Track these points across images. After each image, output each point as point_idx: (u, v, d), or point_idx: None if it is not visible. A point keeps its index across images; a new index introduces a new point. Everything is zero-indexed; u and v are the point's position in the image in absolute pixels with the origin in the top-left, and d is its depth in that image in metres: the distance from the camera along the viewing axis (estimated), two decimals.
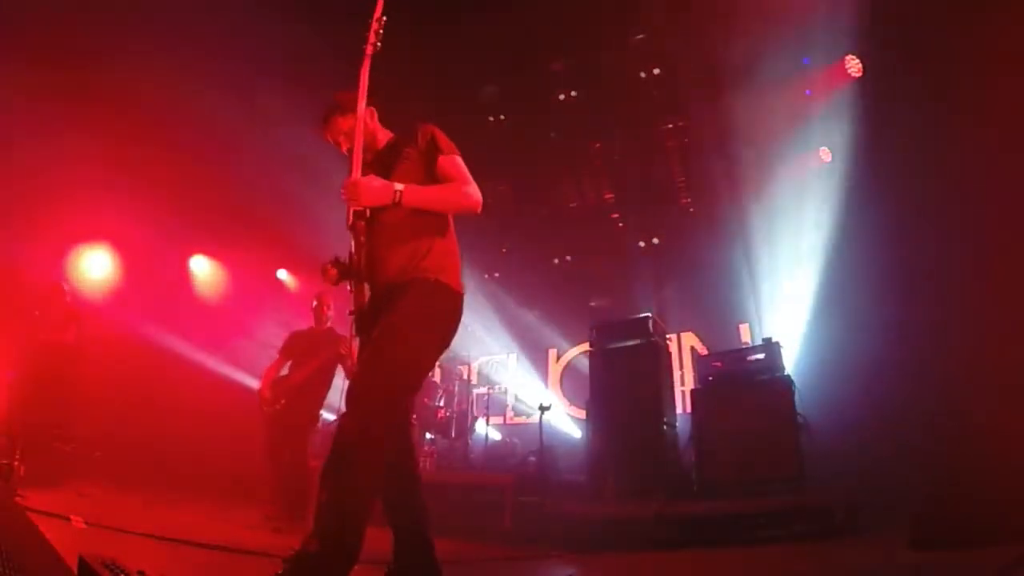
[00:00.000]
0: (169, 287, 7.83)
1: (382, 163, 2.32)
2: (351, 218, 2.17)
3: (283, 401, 4.73)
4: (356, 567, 1.84)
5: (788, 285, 6.04)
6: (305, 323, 5.27)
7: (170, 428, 6.55)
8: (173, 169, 6.79)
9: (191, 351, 7.45)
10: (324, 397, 4.96)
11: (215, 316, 7.89)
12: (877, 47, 5.43)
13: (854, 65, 5.74)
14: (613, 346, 5.38)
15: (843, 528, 3.74)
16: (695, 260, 6.98)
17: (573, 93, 6.83)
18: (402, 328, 2.06)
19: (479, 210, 2.27)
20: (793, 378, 4.70)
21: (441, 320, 2.21)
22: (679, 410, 5.97)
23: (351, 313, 2.19)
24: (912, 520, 3.04)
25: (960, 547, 2.85)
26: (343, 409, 2.03)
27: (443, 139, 2.32)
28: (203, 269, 8.22)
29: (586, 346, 5.57)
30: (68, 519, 3.20)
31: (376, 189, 2.15)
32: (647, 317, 5.39)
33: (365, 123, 2.31)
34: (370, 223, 2.19)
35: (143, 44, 5.79)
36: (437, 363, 7.37)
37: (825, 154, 6.20)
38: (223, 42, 5.85)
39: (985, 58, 4.53)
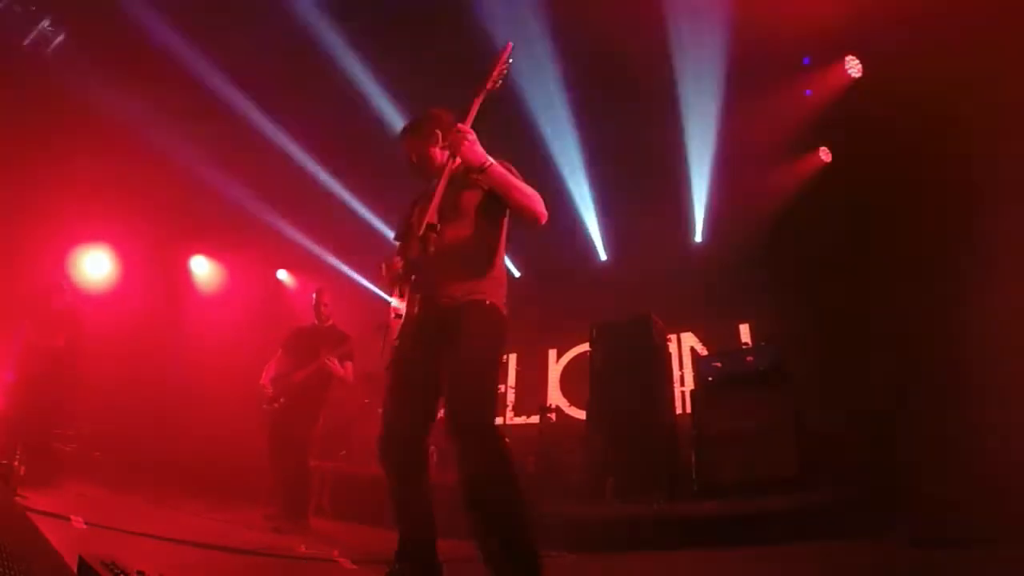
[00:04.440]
0: (169, 287, 7.83)
1: (454, 182, 2.39)
2: (423, 228, 2.24)
3: (282, 400, 4.73)
4: (356, 567, 1.84)
5: (789, 285, 6.03)
6: (307, 319, 5.27)
7: (170, 428, 6.56)
8: (173, 169, 6.79)
9: (191, 351, 7.46)
10: (325, 397, 4.93)
11: (215, 316, 7.89)
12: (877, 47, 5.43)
13: (854, 65, 5.74)
14: (613, 346, 5.38)
15: (844, 528, 3.74)
16: (695, 258, 6.99)
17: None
18: (480, 357, 2.22)
19: (544, 220, 2.37)
20: (793, 378, 4.70)
21: (500, 344, 2.34)
22: (679, 410, 5.97)
23: (397, 317, 2.33)
24: (912, 520, 3.04)
25: (960, 547, 2.86)
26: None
27: (515, 171, 2.43)
28: (203, 269, 8.23)
29: (586, 346, 5.57)
30: (68, 519, 3.20)
31: (477, 149, 2.28)
32: (647, 317, 5.39)
33: (433, 150, 2.51)
34: (430, 236, 2.25)
35: (143, 42, 5.79)
36: None
37: (825, 154, 6.21)
38: (223, 41, 5.85)
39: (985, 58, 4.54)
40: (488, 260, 2.37)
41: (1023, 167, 4.40)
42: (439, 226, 2.24)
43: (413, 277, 2.32)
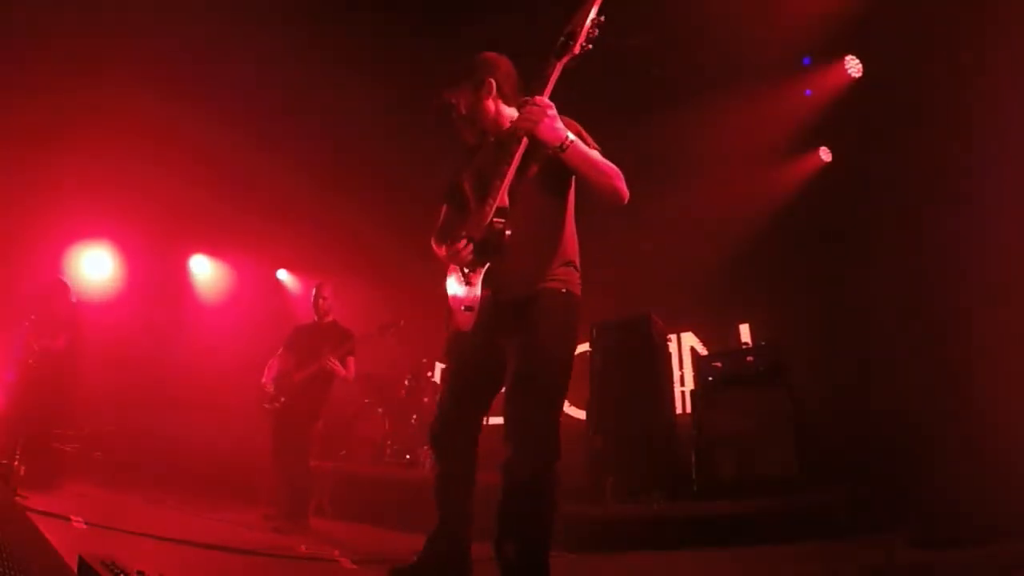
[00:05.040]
0: (169, 286, 7.83)
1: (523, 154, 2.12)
2: (492, 211, 2.04)
3: (283, 399, 4.73)
4: (356, 567, 1.84)
5: (789, 285, 6.03)
6: (308, 317, 5.26)
7: (170, 428, 6.55)
8: (173, 168, 6.79)
9: (191, 351, 7.46)
10: (326, 396, 4.93)
11: (215, 315, 7.89)
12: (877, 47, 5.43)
13: (854, 65, 5.74)
14: (613, 346, 5.38)
15: (843, 528, 3.74)
16: (695, 259, 6.98)
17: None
18: (550, 353, 2.07)
19: (626, 199, 2.13)
20: (792, 377, 4.70)
21: (574, 334, 2.21)
22: (679, 410, 5.97)
23: (457, 303, 2.18)
24: (912, 520, 3.04)
25: (960, 547, 2.86)
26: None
27: (588, 136, 2.19)
28: (203, 268, 8.22)
29: (586, 346, 5.56)
30: (68, 519, 3.20)
31: (558, 125, 1.99)
32: (647, 317, 5.39)
33: (487, 102, 2.23)
34: (501, 220, 2.06)
35: (142, 41, 5.79)
36: (437, 363, 7.44)
37: (825, 154, 6.20)
38: (224, 39, 5.85)
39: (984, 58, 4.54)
40: (560, 241, 2.18)
41: (1023, 167, 4.40)
42: (509, 208, 2.05)
43: (481, 262, 2.09)
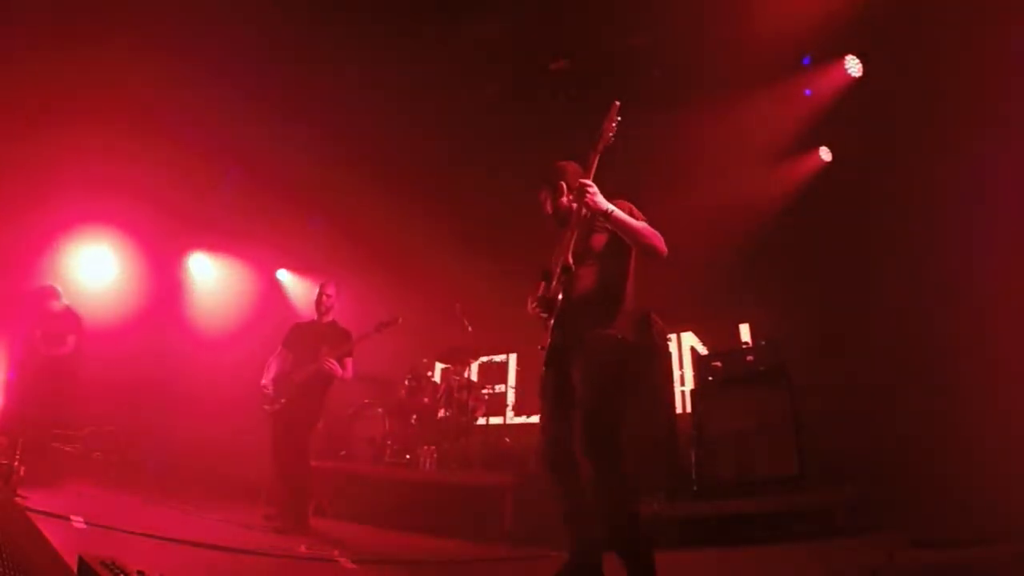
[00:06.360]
0: (168, 285, 7.83)
1: (583, 226, 2.78)
2: (559, 269, 2.67)
3: (283, 400, 4.72)
4: (356, 567, 1.84)
5: (789, 285, 6.03)
6: (307, 315, 5.25)
7: (170, 428, 6.56)
8: (172, 167, 6.79)
9: (191, 351, 7.46)
10: (326, 396, 4.92)
11: (215, 314, 7.89)
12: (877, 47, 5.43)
13: (854, 65, 5.74)
14: None
15: (844, 528, 3.74)
16: (695, 259, 6.97)
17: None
18: (605, 389, 2.59)
19: (664, 254, 2.69)
20: (793, 377, 4.70)
21: (624, 375, 2.68)
22: (679, 410, 5.97)
23: (542, 348, 2.80)
24: (912, 520, 3.04)
25: (960, 547, 2.86)
26: None
27: (637, 211, 2.79)
28: (203, 267, 8.22)
29: None
30: (68, 519, 3.20)
31: (599, 199, 2.64)
32: (647, 317, 5.39)
33: (561, 200, 2.93)
34: (567, 274, 2.67)
35: (142, 38, 5.77)
36: (437, 363, 7.44)
37: (825, 154, 6.20)
38: (224, 35, 5.83)
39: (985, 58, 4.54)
40: (618, 295, 2.72)
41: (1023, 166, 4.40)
42: (573, 268, 2.65)
43: (550, 314, 2.72)
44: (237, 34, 5.78)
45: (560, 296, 2.70)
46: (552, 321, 2.73)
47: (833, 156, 6.15)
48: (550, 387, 2.78)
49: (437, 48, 6.02)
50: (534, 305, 2.80)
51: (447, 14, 5.77)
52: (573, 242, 2.69)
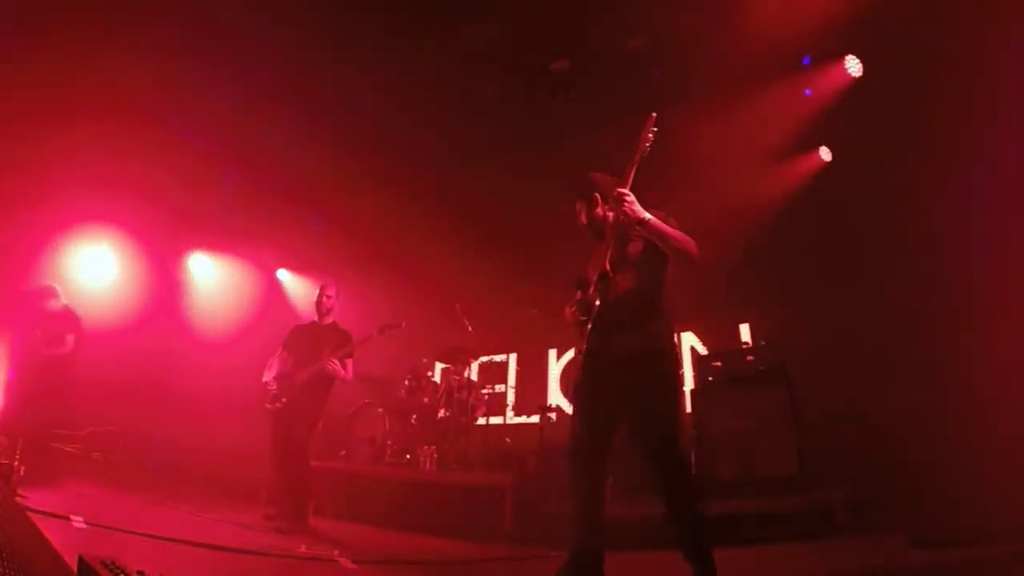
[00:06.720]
0: (168, 285, 7.82)
1: (621, 236, 2.86)
2: (595, 278, 2.75)
3: (284, 400, 4.72)
4: (356, 567, 1.84)
5: (789, 285, 6.03)
6: (308, 316, 5.24)
7: (170, 428, 6.55)
8: (172, 167, 6.78)
9: (191, 351, 7.46)
10: (326, 397, 4.93)
11: (215, 314, 7.88)
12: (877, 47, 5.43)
13: (854, 65, 5.74)
14: None
15: (843, 528, 3.75)
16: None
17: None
18: (669, 402, 2.73)
19: (696, 260, 2.78)
20: (793, 377, 4.70)
21: (680, 385, 2.92)
22: None
23: (579, 353, 2.81)
24: (912, 520, 3.04)
25: (960, 547, 2.86)
26: None
27: (672, 220, 2.87)
28: (202, 267, 8.22)
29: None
30: (68, 519, 3.20)
31: (636, 207, 2.72)
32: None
33: (597, 211, 3.00)
34: (604, 281, 2.75)
35: (142, 38, 5.76)
36: (437, 363, 7.44)
37: (825, 154, 6.20)
38: (226, 34, 5.83)
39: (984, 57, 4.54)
40: (656, 301, 2.80)
41: (1023, 166, 4.40)
42: (611, 275, 2.73)
43: (588, 318, 2.76)
44: (237, 34, 5.79)
45: (597, 302, 2.75)
46: (589, 326, 2.77)
47: (833, 156, 6.15)
48: (586, 392, 2.81)
49: (437, 48, 6.02)
50: (573, 310, 2.85)
51: (447, 14, 5.77)
52: (610, 251, 2.77)
